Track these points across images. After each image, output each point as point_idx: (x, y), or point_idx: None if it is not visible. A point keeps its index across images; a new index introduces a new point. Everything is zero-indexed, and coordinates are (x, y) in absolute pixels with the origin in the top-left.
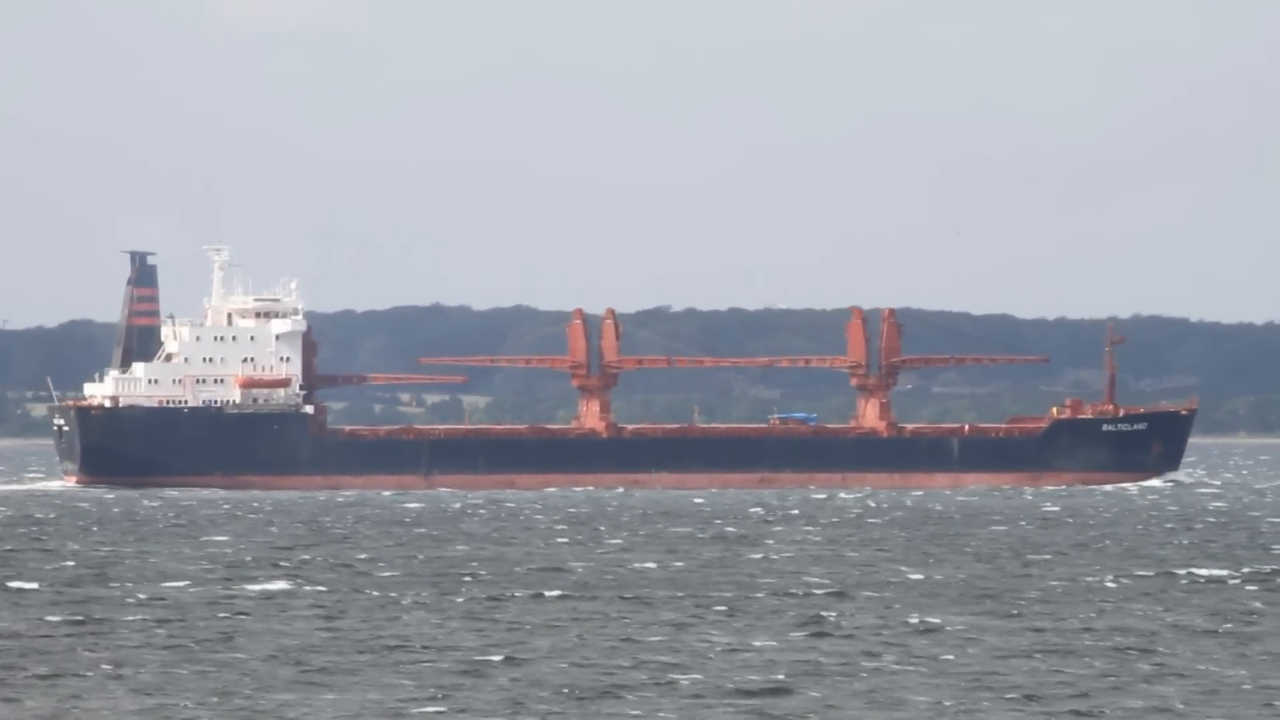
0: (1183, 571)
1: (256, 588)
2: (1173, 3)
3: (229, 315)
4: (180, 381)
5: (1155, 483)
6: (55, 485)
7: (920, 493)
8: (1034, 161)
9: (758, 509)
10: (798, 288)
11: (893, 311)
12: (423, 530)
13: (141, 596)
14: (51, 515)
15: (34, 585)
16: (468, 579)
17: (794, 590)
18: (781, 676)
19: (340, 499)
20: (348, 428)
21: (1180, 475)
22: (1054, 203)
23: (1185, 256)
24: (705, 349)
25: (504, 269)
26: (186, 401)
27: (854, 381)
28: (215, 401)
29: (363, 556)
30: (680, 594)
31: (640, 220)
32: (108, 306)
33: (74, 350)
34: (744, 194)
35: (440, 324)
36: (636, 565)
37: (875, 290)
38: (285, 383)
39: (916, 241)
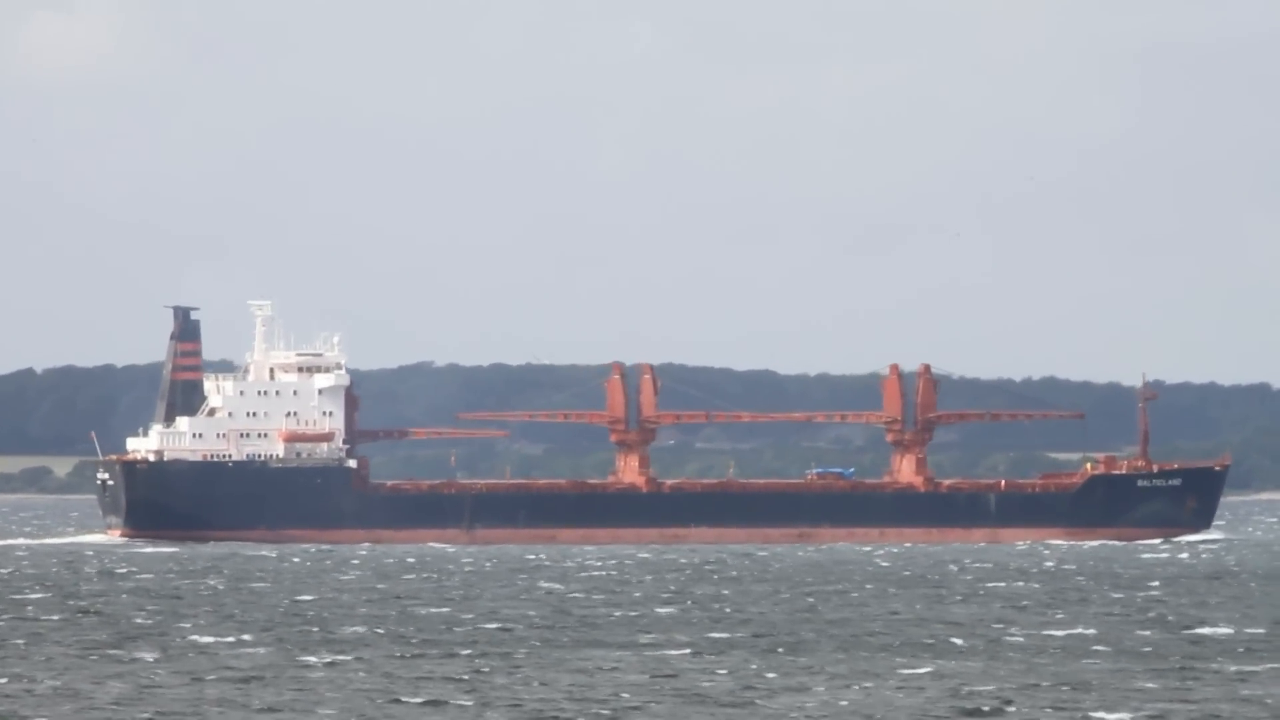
0: None
1: None
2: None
3: (271, 370)
4: (224, 435)
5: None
6: (97, 539)
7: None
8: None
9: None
10: (561, 346)
11: (928, 367)
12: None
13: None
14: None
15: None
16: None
17: None
18: None
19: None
20: (390, 482)
21: (1215, 533)
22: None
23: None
24: (469, 404)
25: (292, 320)
26: (230, 455)
27: (890, 437)
28: (259, 455)
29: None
30: None
31: (414, 272)
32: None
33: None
34: (526, 254)
35: None
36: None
37: (638, 347)
38: (328, 437)
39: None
